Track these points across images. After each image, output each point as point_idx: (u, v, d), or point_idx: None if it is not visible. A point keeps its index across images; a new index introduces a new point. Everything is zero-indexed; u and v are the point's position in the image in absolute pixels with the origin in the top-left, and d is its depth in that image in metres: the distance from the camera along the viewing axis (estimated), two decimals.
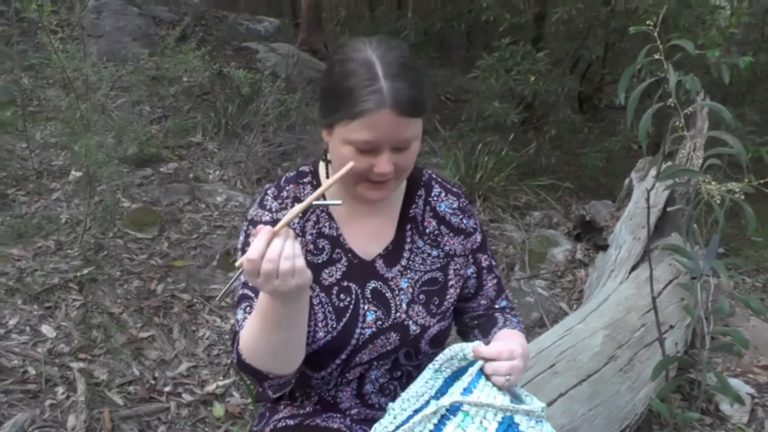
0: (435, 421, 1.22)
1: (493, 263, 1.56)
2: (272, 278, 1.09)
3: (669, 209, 3.26)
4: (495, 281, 1.55)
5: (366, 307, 1.42)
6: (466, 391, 1.26)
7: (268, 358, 1.27)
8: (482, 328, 1.53)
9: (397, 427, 1.22)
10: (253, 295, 1.35)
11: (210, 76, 4.83)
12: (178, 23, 6.08)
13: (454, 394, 1.25)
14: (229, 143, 4.69)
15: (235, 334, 1.35)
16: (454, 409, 1.24)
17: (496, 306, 1.56)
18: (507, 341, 1.34)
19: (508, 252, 3.94)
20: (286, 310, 1.17)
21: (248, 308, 1.35)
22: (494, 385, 1.29)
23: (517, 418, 1.27)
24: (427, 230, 1.48)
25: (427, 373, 1.34)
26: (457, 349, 1.32)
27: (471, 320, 1.56)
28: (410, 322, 1.43)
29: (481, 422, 1.23)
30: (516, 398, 1.36)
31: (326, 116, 1.29)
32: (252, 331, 1.24)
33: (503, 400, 1.28)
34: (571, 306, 3.42)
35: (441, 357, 1.34)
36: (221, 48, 6.45)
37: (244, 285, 1.38)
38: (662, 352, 2.22)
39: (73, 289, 2.95)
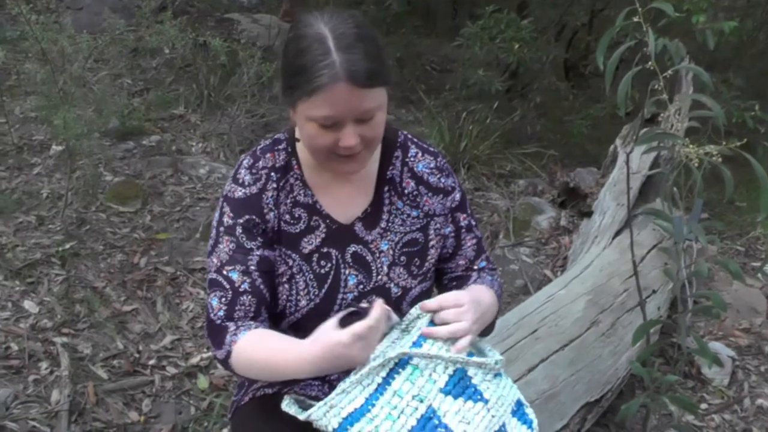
0: (383, 374, 1.21)
1: (473, 223, 1.55)
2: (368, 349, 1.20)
3: (650, 172, 3.26)
4: (474, 241, 1.55)
5: (347, 272, 1.42)
6: (416, 344, 1.24)
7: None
8: (457, 288, 1.52)
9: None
10: (225, 283, 1.36)
11: (191, 47, 4.77)
12: None
13: (403, 347, 1.23)
14: (212, 115, 4.65)
15: (211, 323, 1.36)
16: (403, 363, 1.22)
17: (475, 267, 1.56)
18: (457, 291, 1.34)
19: (493, 220, 3.94)
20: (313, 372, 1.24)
21: (223, 299, 1.35)
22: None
23: (471, 371, 1.26)
24: (406, 191, 1.47)
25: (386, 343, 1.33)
26: (413, 314, 1.31)
27: (449, 281, 1.56)
28: (392, 285, 1.44)
29: (430, 375, 1.22)
30: (479, 352, 1.34)
31: (287, 96, 1.28)
32: (257, 368, 1.32)
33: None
34: (555, 273, 3.43)
35: (398, 327, 1.32)
36: (203, 19, 6.36)
37: (216, 270, 1.37)
38: (643, 317, 2.23)
39: (56, 264, 2.93)
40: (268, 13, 7.08)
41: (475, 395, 1.24)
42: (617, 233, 3.11)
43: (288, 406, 1.28)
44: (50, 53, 3.44)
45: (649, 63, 1.77)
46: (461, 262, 1.55)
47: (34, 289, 2.77)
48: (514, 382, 2.00)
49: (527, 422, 1.27)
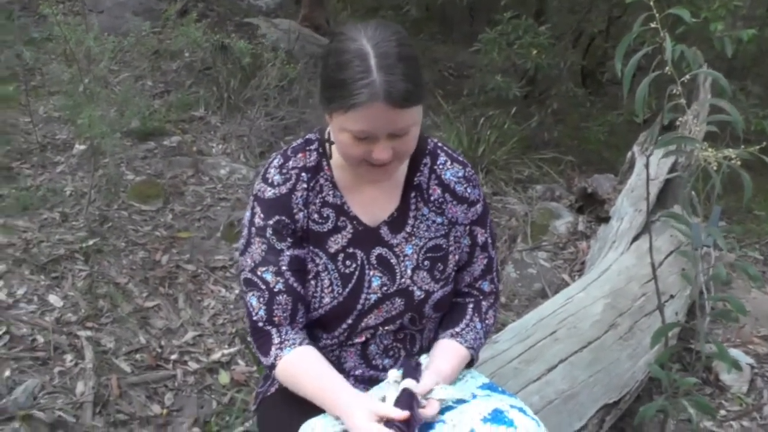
0: None
1: (489, 241, 1.57)
2: None
3: (669, 176, 3.27)
4: (486, 261, 1.57)
5: (371, 273, 1.45)
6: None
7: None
8: (446, 319, 1.58)
9: None
10: (260, 284, 1.41)
11: (212, 50, 4.84)
12: None
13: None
14: (232, 117, 4.70)
15: (254, 324, 1.43)
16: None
17: (477, 285, 1.58)
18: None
19: (511, 224, 3.96)
20: None
21: (261, 299, 1.41)
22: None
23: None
24: (432, 197, 1.50)
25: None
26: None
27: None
28: (415, 288, 1.46)
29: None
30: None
31: (324, 105, 1.32)
32: (296, 389, 1.41)
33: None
34: (573, 277, 3.44)
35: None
36: (223, 23, 6.43)
37: (251, 270, 1.42)
38: (662, 320, 2.24)
39: (79, 259, 2.98)
40: (287, 18, 7.15)
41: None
42: (635, 238, 3.12)
43: None
44: (76, 54, 3.50)
45: (667, 68, 1.79)
46: (467, 278, 1.57)
47: (58, 284, 2.82)
48: (534, 381, 2.04)
49: (506, 422, 1.30)
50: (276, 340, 1.41)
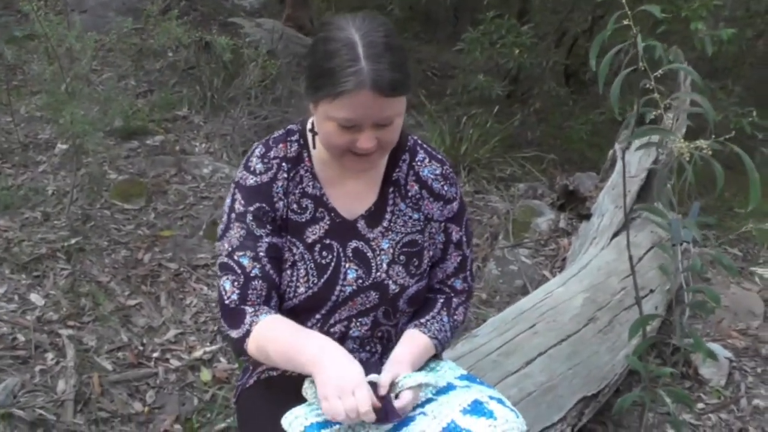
0: None
1: (464, 239, 1.58)
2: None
3: (649, 167, 3.31)
4: (459, 259, 1.58)
5: (347, 266, 1.47)
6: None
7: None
8: (416, 314, 1.57)
9: None
10: (236, 268, 1.41)
11: (195, 49, 4.83)
12: None
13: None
14: (215, 116, 4.70)
15: (226, 307, 1.42)
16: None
17: (449, 283, 1.59)
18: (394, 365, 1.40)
19: (493, 222, 3.98)
20: None
21: (236, 282, 1.40)
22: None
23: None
24: (410, 194, 1.52)
25: None
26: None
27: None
28: (390, 282, 1.48)
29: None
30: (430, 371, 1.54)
31: (310, 93, 1.33)
32: (271, 357, 1.37)
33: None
34: (554, 273, 3.47)
35: None
36: (206, 23, 6.41)
37: (228, 254, 1.43)
38: (639, 311, 2.26)
39: (61, 258, 2.97)
40: (271, 18, 7.14)
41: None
42: (615, 234, 3.15)
43: (306, 390, 1.36)
44: (57, 52, 3.48)
45: (640, 64, 1.81)
46: (439, 274, 1.58)
47: (40, 283, 2.81)
48: (513, 373, 2.06)
49: (486, 414, 1.31)
50: (249, 311, 1.40)
